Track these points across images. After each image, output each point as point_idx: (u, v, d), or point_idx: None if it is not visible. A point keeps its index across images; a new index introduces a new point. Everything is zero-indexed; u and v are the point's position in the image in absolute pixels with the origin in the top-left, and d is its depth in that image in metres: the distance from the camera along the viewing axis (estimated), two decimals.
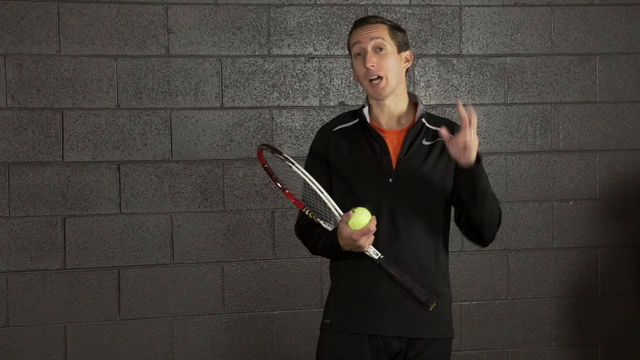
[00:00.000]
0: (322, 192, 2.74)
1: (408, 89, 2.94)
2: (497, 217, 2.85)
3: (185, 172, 3.95)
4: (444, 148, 2.83)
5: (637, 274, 4.37)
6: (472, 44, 4.21)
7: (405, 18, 4.14)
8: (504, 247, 4.26)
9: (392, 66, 2.83)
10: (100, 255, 3.88)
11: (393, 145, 2.84)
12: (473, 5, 4.20)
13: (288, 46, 4.03)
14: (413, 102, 2.93)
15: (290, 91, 4.04)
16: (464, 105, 2.70)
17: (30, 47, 3.81)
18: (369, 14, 4.08)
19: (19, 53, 3.80)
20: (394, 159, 2.83)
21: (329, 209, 2.75)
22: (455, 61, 4.19)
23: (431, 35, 4.17)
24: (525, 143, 4.26)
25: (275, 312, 4.02)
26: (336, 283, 2.90)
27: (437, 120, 2.92)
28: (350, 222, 2.68)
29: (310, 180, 2.75)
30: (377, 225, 2.72)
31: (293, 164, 2.74)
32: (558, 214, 4.30)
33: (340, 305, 2.86)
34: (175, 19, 3.93)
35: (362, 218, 2.68)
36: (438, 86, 4.17)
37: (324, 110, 4.04)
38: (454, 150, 2.68)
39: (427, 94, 4.16)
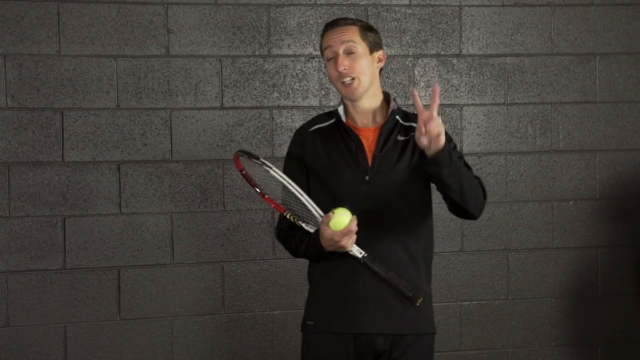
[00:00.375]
0: (301, 195, 2.75)
1: (382, 87, 2.94)
2: (479, 191, 2.80)
3: (185, 172, 3.95)
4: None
5: (637, 274, 4.37)
6: (472, 44, 4.21)
7: (405, 18, 4.14)
8: (504, 247, 4.26)
9: (364, 67, 2.82)
10: (100, 255, 3.88)
11: (368, 143, 2.85)
12: (473, 5, 4.20)
13: (288, 46, 4.03)
14: (387, 99, 2.93)
15: (290, 91, 4.04)
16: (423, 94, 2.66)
17: (30, 47, 3.81)
18: (369, 14, 4.08)
19: (19, 53, 3.80)
20: (369, 156, 2.83)
21: (310, 210, 2.75)
22: (455, 61, 4.19)
23: (431, 35, 4.17)
24: (525, 143, 4.26)
25: (275, 312, 4.02)
26: (317, 284, 2.91)
27: (411, 116, 2.92)
28: (331, 223, 2.69)
29: (289, 183, 2.75)
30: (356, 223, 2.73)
31: (270, 167, 2.74)
32: (558, 214, 4.30)
33: (322, 305, 2.87)
34: (175, 19, 3.93)
35: (342, 219, 2.68)
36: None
37: (323, 110, 4.03)
38: (424, 141, 2.60)
39: (427, 94, 4.16)
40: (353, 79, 2.81)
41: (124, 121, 3.90)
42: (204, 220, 3.96)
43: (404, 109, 2.97)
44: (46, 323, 3.85)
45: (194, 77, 3.96)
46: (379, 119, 2.89)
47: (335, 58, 2.82)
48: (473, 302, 4.24)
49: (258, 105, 4.01)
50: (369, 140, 2.85)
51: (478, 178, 2.84)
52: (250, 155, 2.80)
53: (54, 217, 3.84)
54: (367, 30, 2.87)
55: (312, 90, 4.04)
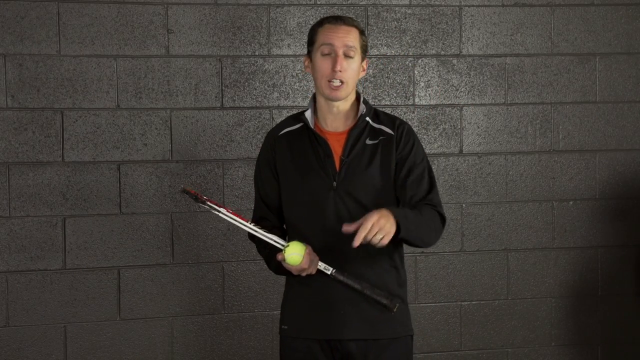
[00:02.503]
0: (255, 231, 2.78)
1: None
2: (435, 233, 2.85)
3: (185, 172, 3.95)
4: (386, 146, 2.83)
5: (637, 274, 4.37)
6: (472, 44, 4.21)
7: (405, 18, 4.14)
8: (504, 247, 4.26)
9: (355, 73, 2.82)
10: (100, 255, 3.88)
11: (336, 148, 2.83)
12: (473, 5, 4.20)
13: (288, 46, 4.03)
14: (356, 99, 2.90)
15: (290, 91, 4.04)
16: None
17: (30, 47, 3.81)
18: (369, 14, 4.08)
19: (19, 53, 3.80)
20: (337, 161, 2.82)
21: (269, 242, 2.78)
22: (455, 61, 4.19)
23: (431, 35, 4.17)
24: (525, 143, 4.26)
25: (275, 312, 4.02)
26: (290, 287, 2.91)
27: (384, 118, 2.89)
28: (286, 263, 2.73)
29: (241, 223, 2.79)
30: (324, 228, 2.77)
31: (219, 211, 2.78)
32: (558, 214, 4.30)
33: (296, 311, 2.87)
34: (175, 19, 3.93)
35: (292, 259, 2.71)
36: (438, 86, 4.17)
37: None
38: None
39: (427, 94, 4.16)
40: (342, 82, 2.79)
41: (124, 121, 3.90)
42: (204, 220, 3.96)
43: (375, 106, 2.95)
44: (46, 323, 3.85)
45: (194, 77, 3.96)
46: (350, 122, 2.86)
47: (333, 56, 2.79)
48: (473, 302, 4.24)
49: (258, 105, 4.01)
50: (337, 145, 2.83)
51: (440, 221, 2.85)
52: (196, 199, 2.83)
53: (54, 217, 3.84)
54: (362, 35, 2.85)
55: (312, 90, 4.04)
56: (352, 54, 2.79)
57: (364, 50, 2.85)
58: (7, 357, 3.80)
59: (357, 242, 2.60)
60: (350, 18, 2.88)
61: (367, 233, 2.59)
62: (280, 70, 4.03)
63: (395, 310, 2.74)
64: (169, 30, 3.93)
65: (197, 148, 3.96)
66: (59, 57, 3.84)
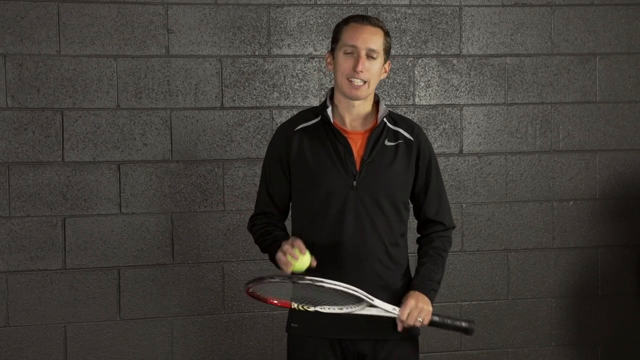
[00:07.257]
0: (337, 286, 2.69)
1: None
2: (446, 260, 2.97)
3: (185, 172, 3.95)
4: (405, 148, 2.86)
5: (637, 274, 4.37)
6: (472, 44, 4.21)
7: (405, 18, 4.14)
8: (504, 247, 4.26)
9: (376, 75, 2.84)
10: (100, 255, 3.88)
11: (356, 147, 2.84)
12: (473, 5, 4.20)
13: (288, 46, 4.03)
14: (375, 101, 2.93)
15: (290, 91, 4.04)
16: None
17: (30, 47, 3.81)
18: (369, 14, 4.08)
19: (19, 53, 3.80)
20: (357, 160, 2.82)
21: (348, 294, 2.71)
22: (455, 61, 4.19)
23: (431, 35, 4.17)
24: (525, 143, 4.27)
25: (275, 312, 4.02)
26: None
27: (399, 120, 2.92)
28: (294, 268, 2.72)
29: (329, 284, 2.68)
30: (342, 227, 2.77)
31: (295, 281, 2.68)
32: (558, 214, 4.30)
33: None
34: (175, 19, 3.93)
35: (299, 266, 2.71)
36: (438, 86, 4.17)
37: None
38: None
39: (427, 94, 4.16)
40: (364, 82, 2.80)
41: (124, 121, 3.90)
42: (204, 220, 3.96)
43: (391, 109, 2.98)
44: (46, 323, 3.85)
45: (194, 77, 3.96)
46: (368, 123, 2.88)
47: (356, 56, 2.80)
48: (473, 302, 4.24)
49: (258, 105, 4.01)
50: (357, 145, 2.84)
51: (447, 229, 2.95)
52: (262, 279, 2.70)
53: (54, 217, 3.84)
54: (387, 36, 2.86)
55: (312, 90, 4.04)
56: (375, 55, 2.80)
57: (387, 52, 2.87)
58: (7, 357, 3.80)
59: (400, 328, 2.78)
60: (376, 19, 2.88)
61: (408, 319, 2.74)
62: (280, 70, 4.03)
63: (473, 332, 2.85)
64: (169, 30, 3.93)
65: (197, 148, 3.96)
66: (59, 57, 3.84)
